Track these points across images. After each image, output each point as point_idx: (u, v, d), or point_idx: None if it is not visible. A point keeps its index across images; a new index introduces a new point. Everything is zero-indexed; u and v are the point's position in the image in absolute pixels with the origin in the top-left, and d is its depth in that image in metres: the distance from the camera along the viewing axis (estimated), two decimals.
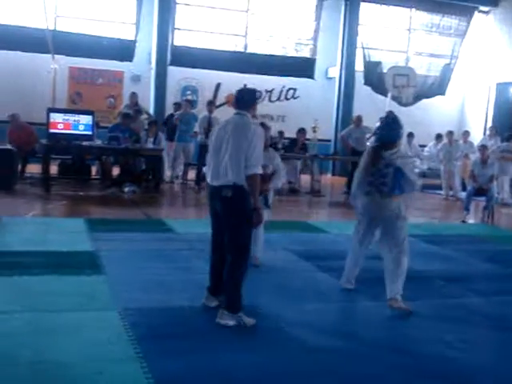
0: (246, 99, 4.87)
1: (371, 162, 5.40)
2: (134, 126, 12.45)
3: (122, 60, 15.98)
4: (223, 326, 4.56)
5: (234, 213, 4.62)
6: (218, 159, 4.65)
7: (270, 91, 17.93)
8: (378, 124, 5.86)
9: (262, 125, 6.33)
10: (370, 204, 5.45)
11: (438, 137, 15.41)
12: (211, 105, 12.74)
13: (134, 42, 16.23)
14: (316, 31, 17.98)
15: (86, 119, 11.52)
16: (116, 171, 12.31)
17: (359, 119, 13.60)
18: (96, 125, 12.14)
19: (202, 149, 11.57)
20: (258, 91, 5.34)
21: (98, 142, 11.63)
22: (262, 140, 4.68)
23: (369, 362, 4.17)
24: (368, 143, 13.52)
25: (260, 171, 4.66)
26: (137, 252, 6.80)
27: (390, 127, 5.44)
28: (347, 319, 5.00)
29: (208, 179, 4.83)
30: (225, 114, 13.62)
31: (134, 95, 13.59)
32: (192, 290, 5.43)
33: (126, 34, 16.40)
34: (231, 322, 4.59)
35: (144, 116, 13.46)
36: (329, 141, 17.23)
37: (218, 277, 4.87)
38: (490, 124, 17.32)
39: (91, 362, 3.81)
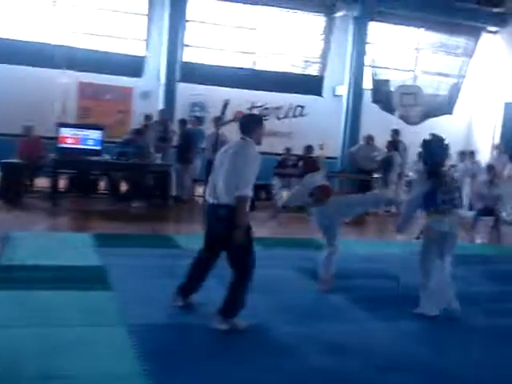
0: (249, 125, 5.05)
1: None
2: (143, 141, 12.49)
3: (131, 76, 16.04)
4: (218, 329, 4.84)
5: (231, 232, 4.75)
6: (216, 179, 4.92)
7: (278, 108, 17.97)
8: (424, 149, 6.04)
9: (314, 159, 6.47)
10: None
11: (461, 154, 14.86)
12: (218, 121, 12.76)
13: (144, 58, 16.33)
14: (325, 49, 18.03)
15: (95, 134, 11.55)
16: (124, 187, 12.34)
17: (370, 138, 13.84)
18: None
19: (210, 165, 11.55)
20: (263, 116, 5.38)
21: (107, 157, 11.68)
22: (255, 164, 4.80)
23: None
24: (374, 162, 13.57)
25: (250, 194, 4.79)
26: (144, 267, 6.81)
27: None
28: (357, 340, 4.98)
29: (206, 197, 5.10)
30: (232, 130, 13.76)
31: (163, 112, 13.64)
32: (199, 306, 5.43)
33: (136, 50, 16.49)
34: (224, 326, 4.87)
35: (152, 133, 13.49)
36: (335, 158, 17.23)
37: (193, 285, 5.36)
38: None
39: (97, 377, 3.83)
